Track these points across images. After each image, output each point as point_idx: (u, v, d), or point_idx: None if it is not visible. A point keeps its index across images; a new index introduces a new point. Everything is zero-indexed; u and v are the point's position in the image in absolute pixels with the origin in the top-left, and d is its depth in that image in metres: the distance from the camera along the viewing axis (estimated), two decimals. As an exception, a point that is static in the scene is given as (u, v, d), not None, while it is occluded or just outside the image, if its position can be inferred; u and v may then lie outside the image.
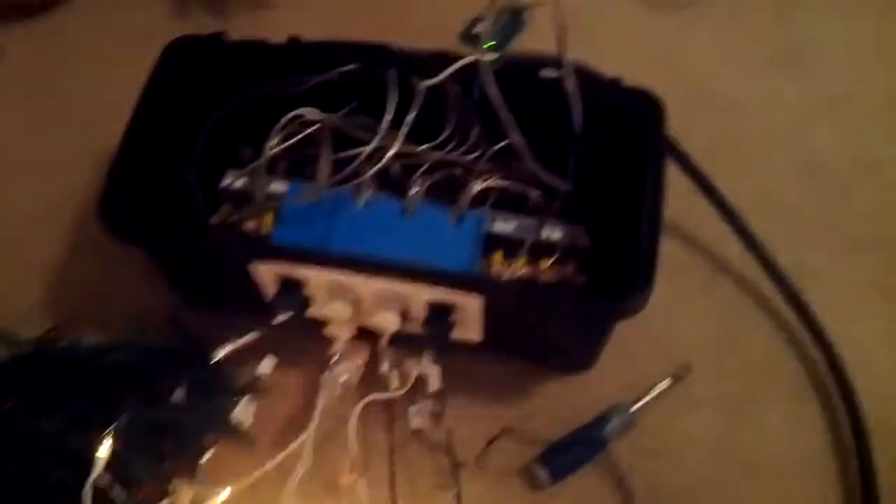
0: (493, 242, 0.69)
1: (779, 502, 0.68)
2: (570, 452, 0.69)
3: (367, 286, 0.64)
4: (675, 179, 0.73)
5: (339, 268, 0.63)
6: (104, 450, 0.63)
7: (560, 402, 0.72)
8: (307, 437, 0.66)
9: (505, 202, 0.72)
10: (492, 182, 0.70)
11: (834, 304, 0.74)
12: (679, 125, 0.69)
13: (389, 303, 0.66)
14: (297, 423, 0.69)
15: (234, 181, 0.75)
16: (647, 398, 0.71)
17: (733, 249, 0.78)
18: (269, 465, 0.66)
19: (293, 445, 0.65)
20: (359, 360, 0.71)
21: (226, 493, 0.65)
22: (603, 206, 0.69)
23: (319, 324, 0.70)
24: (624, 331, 0.72)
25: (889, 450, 0.68)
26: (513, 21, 0.66)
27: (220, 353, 0.69)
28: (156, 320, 0.72)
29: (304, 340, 0.69)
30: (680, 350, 0.74)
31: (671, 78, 0.71)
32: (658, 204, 0.63)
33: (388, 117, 0.66)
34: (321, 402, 0.67)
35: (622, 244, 0.62)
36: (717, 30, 0.94)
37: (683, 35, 0.93)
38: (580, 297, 0.66)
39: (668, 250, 0.78)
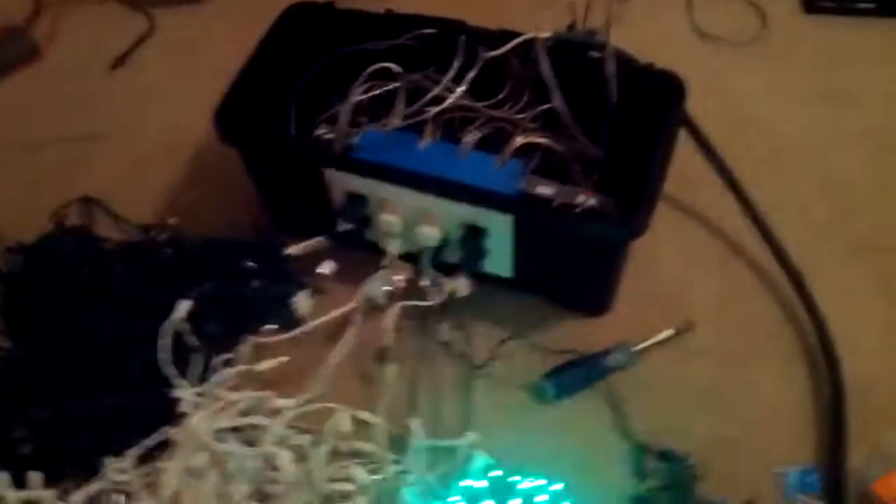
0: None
1: (758, 442, 0.75)
2: (574, 374, 0.79)
3: (418, 202, 0.77)
4: (701, 173, 0.85)
5: (397, 181, 0.77)
6: (185, 306, 0.77)
7: (574, 338, 0.82)
8: (352, 329, 0.78)
9: (546, 170, 0.84)
10: (535, 138, 0.82)
11: (833, 292, 0.82)
12: (720, 139, 0.81)
13: (433, 221, 0.78)
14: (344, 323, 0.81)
15: (325, 133, 0.89)
16: (650, 341, 0.81)
17: (748, 237, 0.87)
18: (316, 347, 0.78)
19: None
20: (402, 275, 0.82)
21: (278, 360, 0.78)
22: (632, 178, 0.79)
23: (374, 246, 0.83)
24: (638, 289, 0.84)
25: (860, 412, 0.75)
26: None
27: (292, 251, 0.83)
28: (244, 230, 0.88)
29: (360, 261, 0.81)
30: (687, 310, 0.83)
31: (719, 103, 0.83)
32: (667, 155, 0.74)
33: (451, 73, 0.81)
34: (364, 296, 0.79)
35: (633, 184, 0.73)
36: (768, 67, 1.05)
37: (736, 68, 1.05)
38: (596, 215, 0.77)
39: (688, 229, 0.90)
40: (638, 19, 1.04)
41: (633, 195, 0.72)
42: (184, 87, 1.06)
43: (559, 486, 0.70)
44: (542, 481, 0.70)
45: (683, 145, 0.81)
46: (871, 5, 1.08)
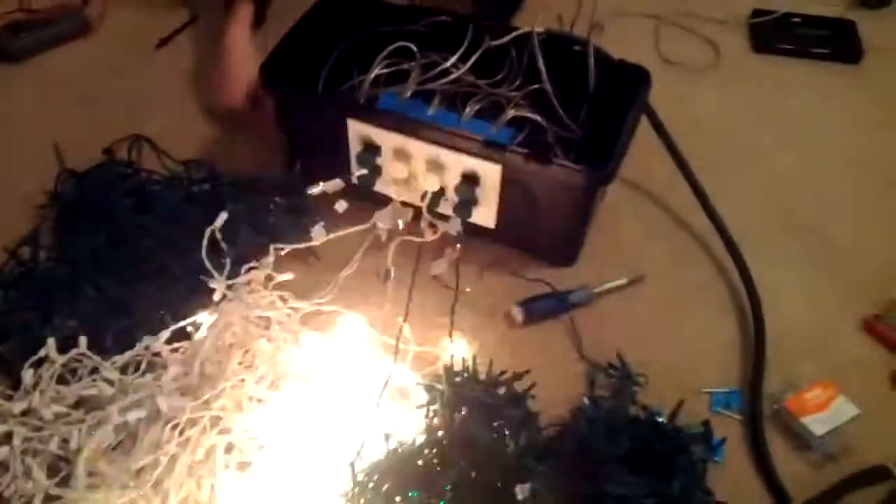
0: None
1: (691, 369, 0.90)
2: (542, 304, 0.94)
3: (424, 152, 0.93)
4: (656, 163, 1.02)
5: (409, 132, 0.92)
6: (222, 217, 0.91)
7: (548, 277, 0.97)
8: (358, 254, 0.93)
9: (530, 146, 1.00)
10: (524, 112, 0.99)
11: (762, 259, 0.99)
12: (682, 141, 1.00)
13: (435, 170, 0.94)
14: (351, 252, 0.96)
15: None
16: (607, 286, 0.96)
17: (694, 213, 1.03)
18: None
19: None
20: (405, 216, 0.97)
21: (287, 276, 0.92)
22: (604, 149, 0.95)
23: (379, 198, 0.98)
24: (599, 251, 0.99)
25: (777, 352, 0.91)
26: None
27: (312, 189, 0.98)
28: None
29: (367, 209, 0.96)
30: (639, 267, 0.99)
31: (679, 116, 1.02)
32: (633, 122, 0.91)
33: (458, 53, 0.98)
34: (373, 222, 0.94)
35: (604, 154, 0.89)
36: (720, 90, 1.24)
37: (694, 90, 1.23)
38: (574, 162, 0.91)
39: (644, 206, 1.07)
40: (612, 46, 1.22)
41: (604, 160, 0.88)
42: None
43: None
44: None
45: (643, 143, 0.98)
46: (790, 47, 1.30)
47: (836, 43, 1.30)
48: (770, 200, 1.09)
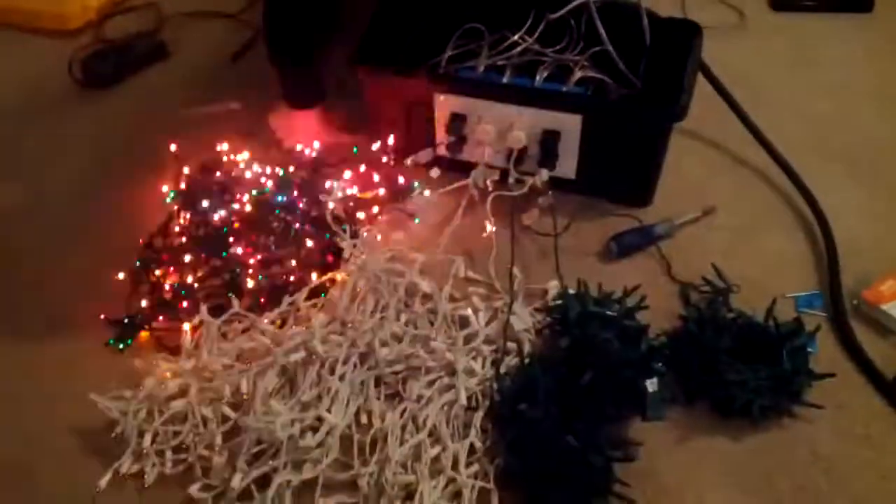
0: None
1: (774, 280, 1.00)
2: (632, 237, 1.04)
3: (507, 113, 1.03)
4: (706, 110, 1.13)
5: (491, 97, 1.03)
6: (336, 191, 1.01)
7: (628, 222, 1.07)
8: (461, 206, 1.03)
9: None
10: (590, 72, 1.10)
11: (818, 183, 1.09)
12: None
13: (518, 129, 1.04)
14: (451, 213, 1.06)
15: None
16: (686, 218, 1.07)
17: (749, 148, 1.14)
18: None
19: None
20: (493, 176, 1.07)
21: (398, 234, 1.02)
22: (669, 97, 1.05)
23: (469, 165, 1.08)
24: (670, 189, 1.10)
25: (846, 258, 1.01)
26: None
27: (408, 160, 1.08)
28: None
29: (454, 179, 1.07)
30: (708, 201, 1.09)
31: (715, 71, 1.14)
32: (693, 66, 1.02)
33: (524, 28, 1.09)
34: (471, 180, 1.04)
35: (668, 89, 1.00)
36: (748, 46, 1.36)
37: (724, 48, 1.34)
38: (650, 105, 1.02)
39: (702, 147, 1.17)
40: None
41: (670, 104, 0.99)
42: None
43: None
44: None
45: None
46: (807, 3, 1.42)
47: (847, -5, 1.42)
48: (813, 135, 1.19)
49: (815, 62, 1.33)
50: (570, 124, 1.03)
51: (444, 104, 1.07)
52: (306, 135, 1.16)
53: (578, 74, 1.10)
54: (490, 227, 1.04)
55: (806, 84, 1.29)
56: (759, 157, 1.14)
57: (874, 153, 1.16)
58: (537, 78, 1.10)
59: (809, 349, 0.91)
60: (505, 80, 1.11)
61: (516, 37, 1.10)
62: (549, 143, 1.05)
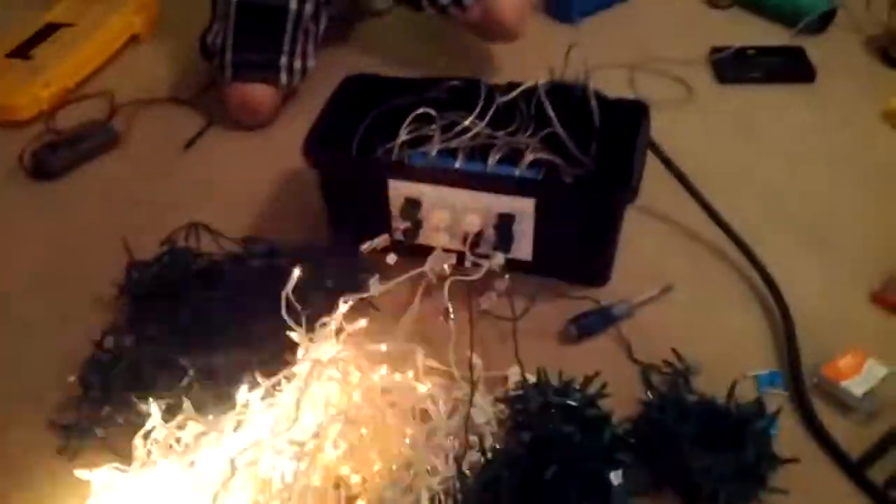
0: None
1: (733, 359, 1.00)
2: (591, 319, 1.04)
3: (462, 199, 1.03)
4: (659, 187, 1.14)
5: (446, 182, 1.03)
6: (294, 277, 0.99)
7: (586, 303, 1.07)
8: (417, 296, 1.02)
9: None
10: (542, 154, 1.11)
11: (770, 256, 1.10)
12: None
13: (473, 213, 1.04)
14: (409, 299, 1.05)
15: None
16: (643, 297, 1.07)
17: (704, 226, 1.15)
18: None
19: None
20: (450, 260, 1.07)
21: (361, 323, 1.00)
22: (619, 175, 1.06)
23: (424, 249, 1.07)
24: (627, 269, 1.10)
25: (805, 333, 1.02)
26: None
27: (363, 247, 1.07)
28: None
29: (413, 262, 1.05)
30: (666, 276, 1.10)
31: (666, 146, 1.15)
32: (643, 147, 1.03)
33: (476, 111, 1.10)
34: (426, 268, 1.03)
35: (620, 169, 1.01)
36: (698, 119, 1.38)
37: (673, 123, 1.37)
38: (603, 187, 1.03)
39: (659, 226, 1.18)
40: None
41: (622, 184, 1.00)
42: (248, 159, 1.33)
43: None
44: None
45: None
46: (752, 75, 1.47)
47: (790, 66, 1.46)
48: (765, 205, 1.21)
49: (764, 132, 1.36)
50: (523, 208, 1.03)
51: (398, 190, 1.07)
52: None
53: (530, 157, 1.11)
54: (449, 313, 1.03)
55: (755, 154, 1.31)
56: (713, 231, 1.15)
57: (829, 221, 1.18)
58: (489, 161, 1.11)
59: (772, 430, 0.91)
60: (457, 164, 1.11)
61: (467, 122, 1.11)
62: (503, 226, 1.05)
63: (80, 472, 0.87)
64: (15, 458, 0.94)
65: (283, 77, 1.39)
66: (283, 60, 1.38)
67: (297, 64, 1.40)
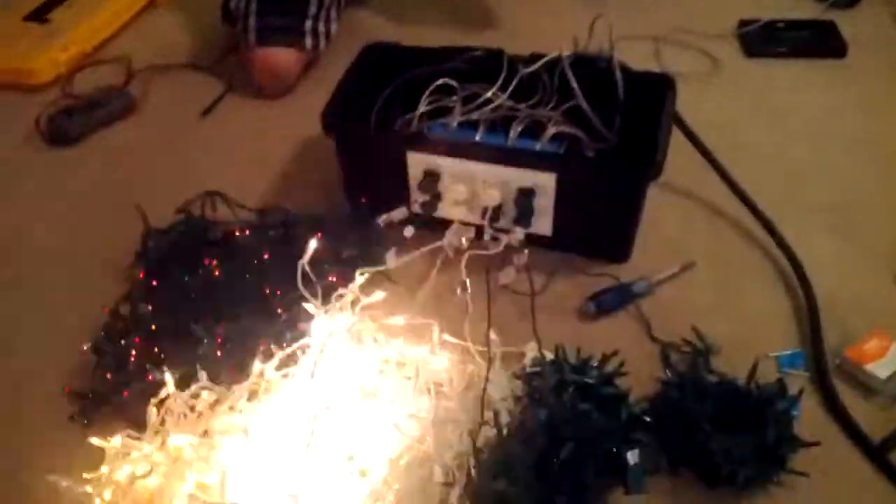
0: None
1: (755, 338, 0.98)
2: (610, 297, 1.02)
3: (482, 172, 1.02)
4: (683, 162, 1.12)
5: (466, 155, 1.01)
6: (311, 248, 0.98)
7: (606, 279, 1.05)
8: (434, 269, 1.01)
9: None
10: (564, 128, 1.08)
11: (793, 235, 1.08)
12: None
13: (493, 187, 1.03)
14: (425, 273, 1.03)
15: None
16: (664, 274, 1.05)
17: (727, 202, 1.13)
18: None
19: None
20: (468, 233, 1.05)
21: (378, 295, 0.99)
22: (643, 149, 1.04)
23: (443, 222, 1.06)
24: (649, 245, 1.08)
25: (827, 312, 0.99)
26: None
27: (380, 220, 1.06)
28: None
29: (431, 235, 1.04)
30: (687, 256, 1.08)
31: (689, 118, 1.13)
32: (668, 121, 1.01)
33: (498, 83, 1.08)
34: (445, 242, 1.01)
35: (643, 144, 0.99)
36: (724, 93, 1.35)
37: (698, 95, 1.33)
38: (626, 163, 1.01)
39: (681, 201, 1.15)
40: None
41: (646, 159, 0.97)
42: (266, 127, 1.31)
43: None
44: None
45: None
46: (780, 49, 1.43)
47: (820, 41, 1.43)
48: (788, 183, 1.18)
49: (791, 109, 1.32)
50: (544, 182, 1.01)
51: (417, 162, 1.05)
52: None
53: (552, 130, 1.08)
54: (466, 287, 1.01)
55: (782, 131, 1.28)
56: (736, 209, 1.12)
57: (853, 202, 1.15)
58: (510, 135, 1.09)
59: (793, 412, 0.89)
60: (478, 137, 1.09)
61: (489, 94, 1.09)
62: (523, 200, 1.03)
63: (94, 439, 0.87)
64: (29, 426, 0.94)
65: (308, 41, 1.37)
66: (308, 24, 1.37)
67: (322, 27, 1.39)
